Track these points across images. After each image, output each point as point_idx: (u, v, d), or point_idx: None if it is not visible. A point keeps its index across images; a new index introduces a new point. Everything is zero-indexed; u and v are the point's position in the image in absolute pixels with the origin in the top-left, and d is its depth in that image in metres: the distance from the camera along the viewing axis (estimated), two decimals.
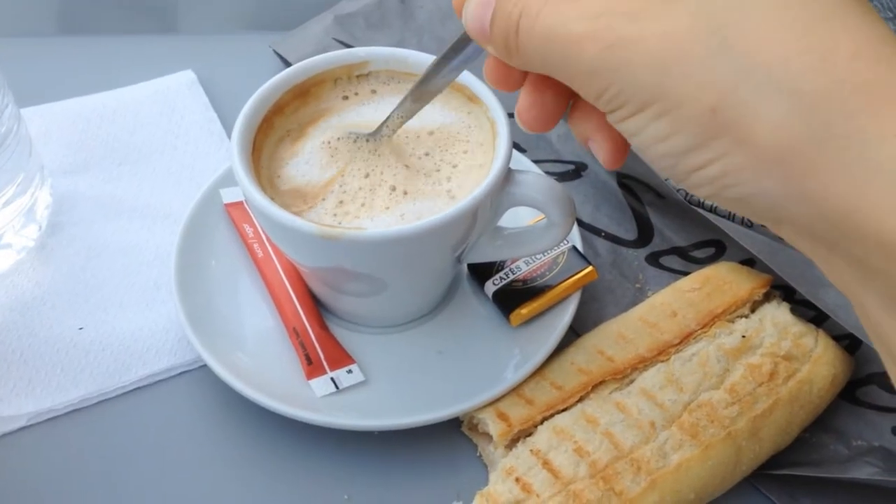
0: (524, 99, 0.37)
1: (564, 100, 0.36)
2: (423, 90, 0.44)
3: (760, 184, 0.29)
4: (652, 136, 0.31)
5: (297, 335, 0.51)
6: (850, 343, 0.52)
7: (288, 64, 0.69)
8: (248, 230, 0.56)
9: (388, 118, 0.46)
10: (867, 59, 0.28)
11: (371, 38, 0.71)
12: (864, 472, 0.47)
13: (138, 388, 0.52)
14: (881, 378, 0.51)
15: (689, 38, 0.29)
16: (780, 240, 0.55)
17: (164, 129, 0.65)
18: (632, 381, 0.49)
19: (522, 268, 0.53)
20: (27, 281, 0.56)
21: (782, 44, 0.28)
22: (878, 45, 0.28)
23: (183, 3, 0.74)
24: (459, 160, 0.48)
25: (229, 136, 0.64)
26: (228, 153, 0.63)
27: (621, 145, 0.36)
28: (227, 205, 0.57)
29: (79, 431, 0.50)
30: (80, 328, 0.53)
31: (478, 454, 0.49)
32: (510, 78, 0.37)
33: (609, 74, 0.31)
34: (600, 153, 0.36)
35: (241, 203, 0.57)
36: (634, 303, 0.55)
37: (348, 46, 0.68)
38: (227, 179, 0.58)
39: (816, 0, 0.29)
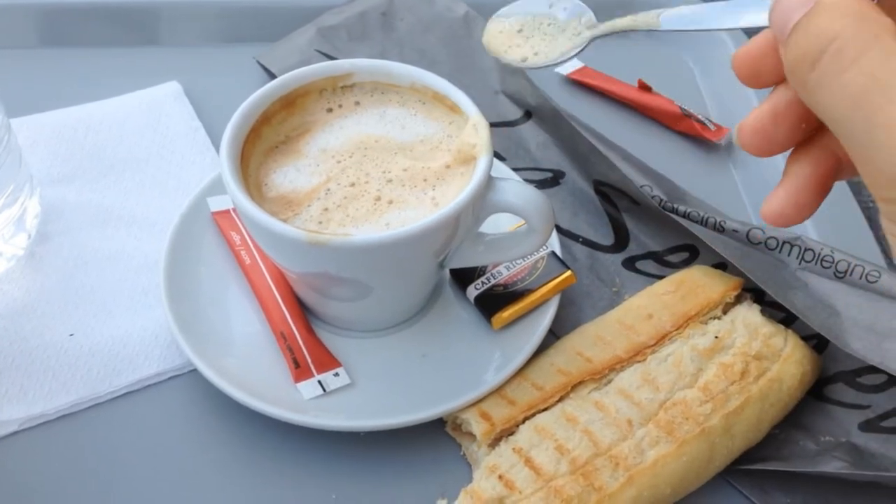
0: (760, 118, 0.30)
1: (801, 135, 0.30)
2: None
3: None
4: None
5: (284, 339, 0.52)
6: (817, 343, 0.54)
7: (272, 75, 0.70)
8: (236, 237, 0.57)
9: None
10: None
11: (353, 50, 0.72)
12: (832, 466, 0.49)
13: (129, 393, 0.53)
14: (848, 376, 0.53)
15: None
16: (751, 244, 0.57)
17: (151, 139, 0.66)
18: (609, 381, 0.51)
19: (503, 273, 0.55)
20: (17, 289, 0.56)
21: None
22: None
23: (167, 16, 0.75)
24: (442, 169, 0.49)
25: (215, 145, 0.66)
26: (217, 162, 0.65)
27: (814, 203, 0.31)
28: (214, 213, 0.58)
29: (70, 436, 0.51)
30: (71, 334, 0.54)
31: (461, 453, 0.51)
32: (761, 77, 0.31)
33: None
34: (791, 208, 0.31)
35: (228, 211, 0.58)
36: (611, 306, 0.56)
37: (331, 58, 0.70)
38: (214, 188, 0.59)
39: None
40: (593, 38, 0.41)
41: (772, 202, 0.31)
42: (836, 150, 0.30)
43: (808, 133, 0.30)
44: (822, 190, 0.30)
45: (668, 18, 0.37)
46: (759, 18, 0.31)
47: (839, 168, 0.30)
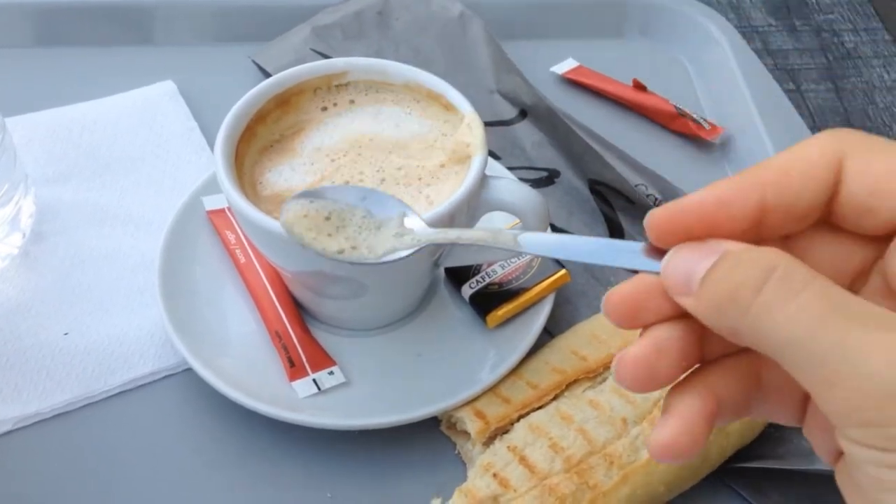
0: (643, 352, 0.30)
1: (680, 372, 0.30)
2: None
3: None
4: None
5: (279, 338, 0.52)
6: None
7: (267, 74, 0.70)
8: (231, 236, 0.57)
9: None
10: None
11: (348, 49, 0.72)
12: (826, 464, 0.49)
13: (123, 392, 0.53)
14: None
15: None
16: None
17: (145, 139, 0.66)
18: (604, 380, 0.51)
19: (498, 271, 0.55)
20: (12, 288, 0.56)
21: None
22: None
23: (162, 15, 0.75)
24: (436, 167, 0.49)
25: (209, 144, 0.66)
26: (211, 160, 0.64)
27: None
28: (209, 212, 0.58)
29: (65, 435, 0.51)
30: (66, 333, 0.54)
31: (456, 452, 0.51)
32: (639, 320, 0.30)
33: None
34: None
35: (223, 210, 0.58)
36: None
37: (326, 57, 0.70)
38: (209, 187, 0.59)
39: None
40: (432, 244, 0.39)
41: (663, 432, 0.29)
42: (719, 391, 0.30)
43: (687, 370, 0.31)
44: (709, 427, 0.30)
45: (526, 241, 0.34)
46: (628, 261, 0.31)
47: (720, 410, 0.30)
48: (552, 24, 0.79)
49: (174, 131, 0.67)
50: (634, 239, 0.62)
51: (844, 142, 0.28)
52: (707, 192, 0.29)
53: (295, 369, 0.51)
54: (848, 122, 0.75)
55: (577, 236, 0.36)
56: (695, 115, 0.71)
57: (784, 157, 0.29)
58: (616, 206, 0.63)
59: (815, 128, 0.74)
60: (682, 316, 0.29)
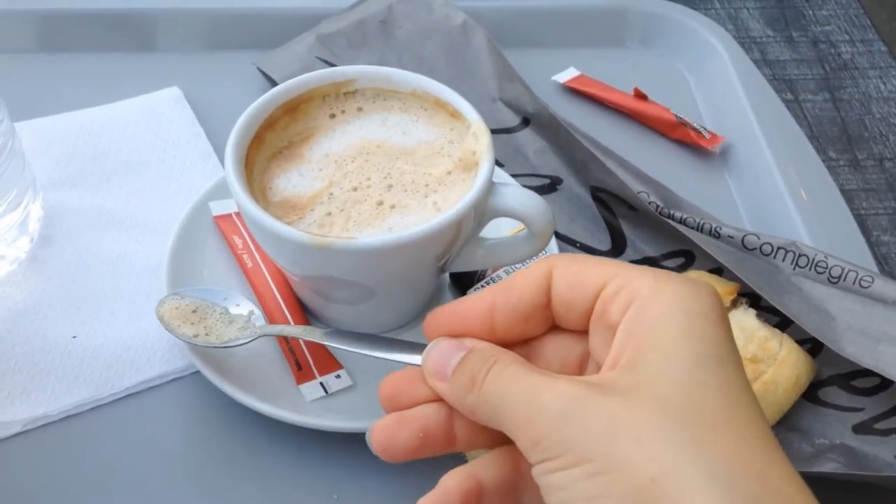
0: (387, 420, 0.37)
1: (432, 444, 0.38)
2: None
3: None
4: (578, 494, 0.31)
5: (286, 342, 0.53)
6: (812, 346, 0.54)
7: (272, 82, 0.71)
8: (238, 241, 0.57)
9: None
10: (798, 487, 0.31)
11: (353, 57, 0.73)
12: (828, 467, 0.50)
13: (131, 395, 0.53)
14: (841, 379, 0.54)
15: (648, 417, 0.31)
16: (746, 250, 0.58)
17: (152, 144, 0.67)
18: None
19: (502, 277, 0.56)
20: (19, 292, 0.57)
21: (735, 441, 0.31)
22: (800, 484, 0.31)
23: (167, 23, 0.76)
24: (443, 174, 0.50)
25: (215, 151, 0.67)
26: (217, 166, 0.65)
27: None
28: (216, 217, 0.59)
29: (73, 437, 0.51)
30: (74, 337, 0.55)
31: (462, 452, 0.51)
32: (403, 403, 0.38)
33: (559, 423, 0.32)
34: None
35: (229, 215, 0.59)
36: None
37: (331, 65, 0.70)
38: (216, 192, 0.59)
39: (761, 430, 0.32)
40: (265, 335, 0.50)
41: (421, 500, 0.37)
42: (479, 475, 0.37)
43: (433, 448, 0.38)
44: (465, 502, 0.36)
45: (331, 336, 0.47)
46: (405, 358, 0.42)
47: (485, 494, 0.36)
48: (554, 33, 0.80)
49: (180, 137, 0.67)
50: (636, 245, 0.63)
51: (555, 258, 0.37)
52: (462, 300, 0.39)
53: (302, 373, 0.51)
54: (845, 132, 0.76)
55: (377, 336, 0.47)
56: (695, 124, 0.72)
57: (513, 275, 0.38)
58: (618, 213, 0.64)
59: (812, 137, 0.75)
60: (433, 401, 0.37)
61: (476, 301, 0.38)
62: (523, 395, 0.33)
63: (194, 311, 0.51)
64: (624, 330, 0.34)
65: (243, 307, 0.51)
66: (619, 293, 0.35)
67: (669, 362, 0.32)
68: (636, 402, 0.32)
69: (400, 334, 0.55)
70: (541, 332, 0.38)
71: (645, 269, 0.36)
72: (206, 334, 0.50)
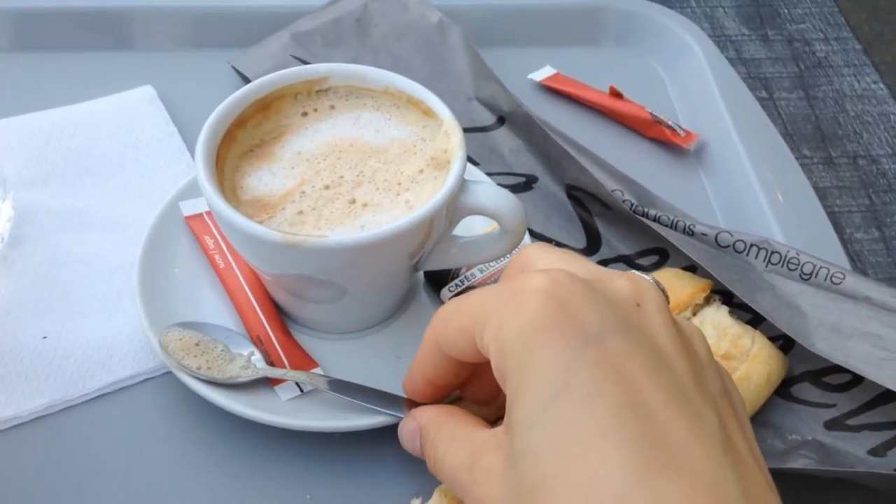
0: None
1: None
2: None
3: None
4: None
5: (260, 342, 0.52)
6: (784, 343, 0.55)
7: (246, 80, 0.70)
8: (209, 241, 0.57)
9: None
10: None
11: (328, 56, 0.73)
12: (800, 463, 0.50)
13: (103, 395, 0.53)
14: (813, 376, 0.54)
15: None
16: (719, 247, 0.58)
17: (125, 143, 0.66)
18: None
19: (477, 275, 0.55)
20: None
21: None
22: None
23: (141, 21, 0.75)
24: (415, 173, 0.50)
25: (189, 149, 0.66)
26: (191, 165, 0.65)
27: None
28: (187, 217, 0.58)
29: (44, 438, 0.51)
30: (44, 337, 0.54)
31: None
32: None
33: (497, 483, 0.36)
34: None
35: (200, 215, 0.58)
36: None
37: (306, 63, 0.70)
38: (188, 192, 0.59)
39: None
40: (267, 377, 0.51)
41: None
42: None
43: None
44: None
45: (333, 383, 0.50)
46: (391, 410, 0.48)
47: None
48: (530, 31, 0.80)
49: (153, 136, 0.67)
50: (610, 243, 0.63)
51: (434, 317, 0.42)
52: (412, 366, 0.45)
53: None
54: (819, 130, 0.77)
55: (379, 391, 0.49)
56: (670, 122, 0.72)
57: (421, 347, 0.43)
58: (593, 211, 0.64)
59: (787, 135, 0.75)
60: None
61: (416, 371, 0.44)
62: (463, 465, 0.38)
63: (197, 345, 0.51)
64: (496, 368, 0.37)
65: (243, 348, 0.52)
66: (484, 329, 0.37)
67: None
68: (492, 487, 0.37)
69: (374, 333, 0.55)
70: (480, 364, 0.40)
71: (495, 291, 0.38)
72: (209, 368, 0.50)
